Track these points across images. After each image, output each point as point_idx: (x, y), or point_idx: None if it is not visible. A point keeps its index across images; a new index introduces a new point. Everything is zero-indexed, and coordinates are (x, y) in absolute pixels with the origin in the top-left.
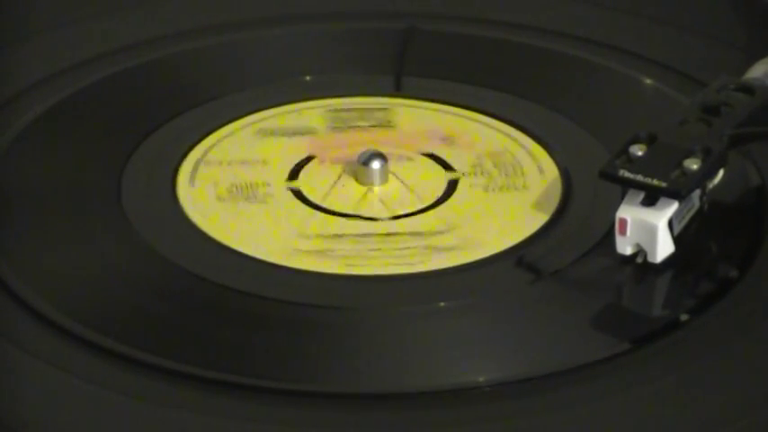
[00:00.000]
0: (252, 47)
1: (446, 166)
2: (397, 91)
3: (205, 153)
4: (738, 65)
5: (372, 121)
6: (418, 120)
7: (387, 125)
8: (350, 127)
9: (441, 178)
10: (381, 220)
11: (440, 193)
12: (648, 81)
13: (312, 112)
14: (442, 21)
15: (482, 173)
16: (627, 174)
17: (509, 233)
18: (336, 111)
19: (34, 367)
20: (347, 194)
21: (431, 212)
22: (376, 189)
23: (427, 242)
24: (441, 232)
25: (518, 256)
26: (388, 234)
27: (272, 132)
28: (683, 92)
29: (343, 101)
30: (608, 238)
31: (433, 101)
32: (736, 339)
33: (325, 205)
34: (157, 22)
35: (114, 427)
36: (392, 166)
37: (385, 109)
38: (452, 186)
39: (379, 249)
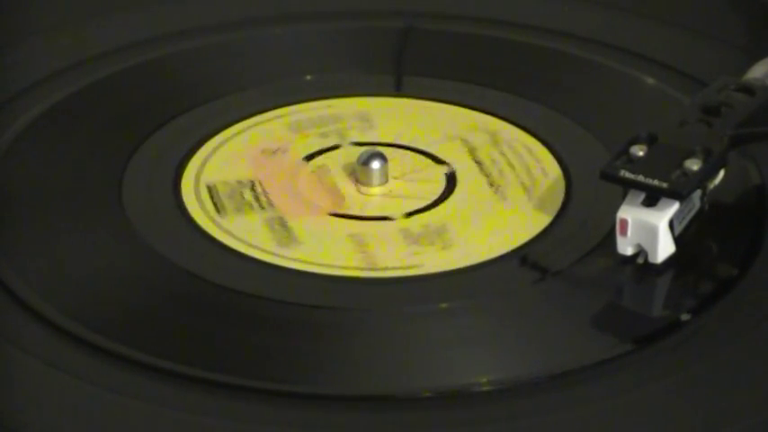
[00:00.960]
0: (252, 47)
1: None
2: (398, 91)
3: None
4: (738, 65)
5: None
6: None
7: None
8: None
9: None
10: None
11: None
12: (649, 81)
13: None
14: (442, 20)
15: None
16: (627, 174)
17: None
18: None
19: (34, 367)
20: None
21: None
22: (377, 189)
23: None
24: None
25: (519, 256)
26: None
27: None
28: (684, 92)
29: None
30: (609, 238)
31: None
32: (737, 339)
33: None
34: (157, 22)
35: (114, 427)
36: (392, 165)
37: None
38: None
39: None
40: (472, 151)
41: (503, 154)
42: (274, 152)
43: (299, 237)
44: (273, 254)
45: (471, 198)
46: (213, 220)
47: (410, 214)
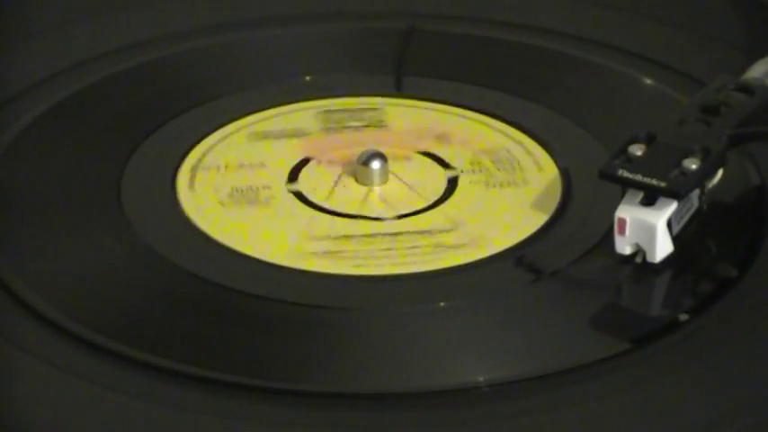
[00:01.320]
0: (251, 47)
1: (444, 164)
2: (398, 91)
3: (205, 153)
4: (738, 65)
5: (366, 121)
6: (417, 119)
7: (382, 125)
8: (344, 127)
9: (440, 176)
10: (385, 219)
11: (441, 191)
12: (648, 81)
13: (310, 113)
14: (442, 20)
15: (482, 172)
16: (626, 174)
17: (509, 233)
18: (330, 112)
19: (34, 367)
20: (349, 195)
21: (432, 212)
22: (377, 189)
23: (430, 242)
24: (442, 231)
25: (518, 256)
26: (394, 234)
27: (272, 133)
28: (683, 92)
29: (337, 101)
30: (608, 237)
31: (432, 101)
32: (736, 339)
33: (328, 206)
34: (157, 22)
35: (114, 427)
36: (392, 165)
37: (381, 109)
38: (453, 184)
39: (387, 249)
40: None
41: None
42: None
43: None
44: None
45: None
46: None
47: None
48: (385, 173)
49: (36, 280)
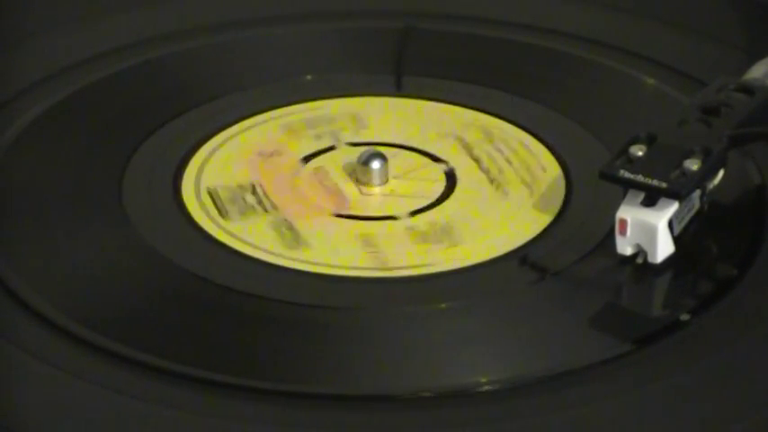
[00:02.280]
0: (252, 47)
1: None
2: (398, 90)
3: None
4: (738, 65)
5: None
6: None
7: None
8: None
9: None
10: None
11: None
12: (649, 81)
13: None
14: (442, 20)
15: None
16: (627, 174)
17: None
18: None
19: (34, 367)
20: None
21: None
22: (377, 189)
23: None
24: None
25: (519, 256)
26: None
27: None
28: (684, 92)
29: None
30: (609, 238)
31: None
32: (737, 339)
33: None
34: (157, 22)
35: (114, 427)
36: (391, 165)
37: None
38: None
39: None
40: (469, 149)
41: (500, 151)
42: (271, 154)
43: (307, 239)
44: (282, 256)
45: (473, 195)
46: (218, 224)
47: (414, 213)
48: (385, 173)
49: (36, 279)
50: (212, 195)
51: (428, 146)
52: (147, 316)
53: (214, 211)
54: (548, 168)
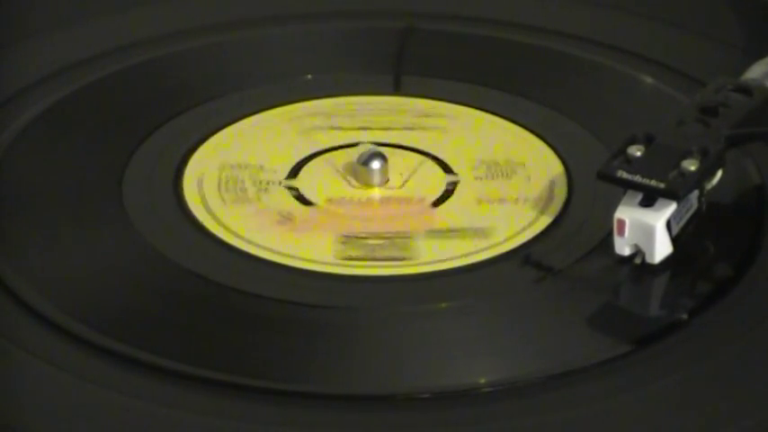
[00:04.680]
0: (252, 47)
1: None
2: (397, 90)
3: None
4: (738, 65)
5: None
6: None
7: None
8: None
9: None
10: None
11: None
12: (649, 81)
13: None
14: (442, 20)
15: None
16: (625, 174)
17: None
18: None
19: (34, 367)
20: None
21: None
22: (377, 189)
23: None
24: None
25: (519, 256)
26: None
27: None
28: (684, 91)
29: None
30: (609, 238)
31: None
32: (736, 340)
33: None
34: (157, 22)
35: (114, 427)
36: (391, 165)
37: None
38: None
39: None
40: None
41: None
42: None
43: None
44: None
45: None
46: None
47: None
48: (385, 173)
49: (36, 280)
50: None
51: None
52: (147, 315)
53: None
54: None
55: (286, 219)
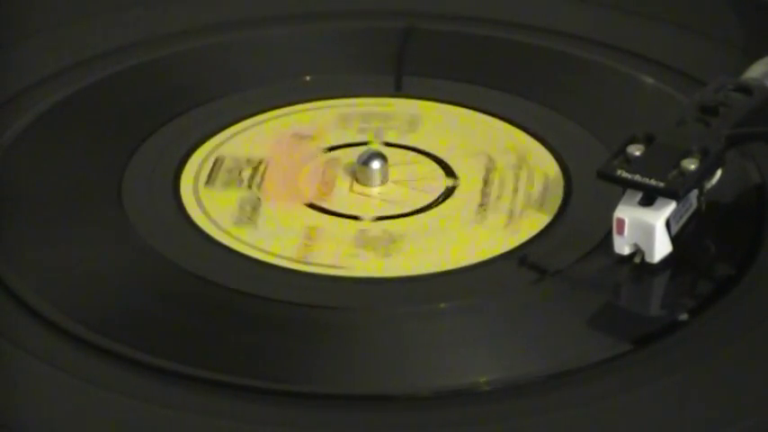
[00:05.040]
0: (252, 47)
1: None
2: (398, 91)
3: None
4: (738, 65)
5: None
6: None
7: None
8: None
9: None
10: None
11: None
12: (649, 80)
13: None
14: (442, 20)
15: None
16: (624, 174)
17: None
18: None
19: (34, 367)
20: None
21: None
22: (376, 189)
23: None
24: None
25: (518, 256)
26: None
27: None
28: (684, 91)
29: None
30: (609, 238)
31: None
32: (736, 340)
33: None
34: (157, 22)
35: (114, 427)
36: (392, 166)
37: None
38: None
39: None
40: (471, 150)
41: (502, 153)
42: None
43: (258, 219)
44: (225, 231)
45: (452, 214)
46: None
47: (380, 218)
48: (385, 173)
49: (36, 280)
50: (217, 162)
51: (425, 146)
52: (147, 316)
53: (214, 210)
54: (547, 168)
55: (259, 202)
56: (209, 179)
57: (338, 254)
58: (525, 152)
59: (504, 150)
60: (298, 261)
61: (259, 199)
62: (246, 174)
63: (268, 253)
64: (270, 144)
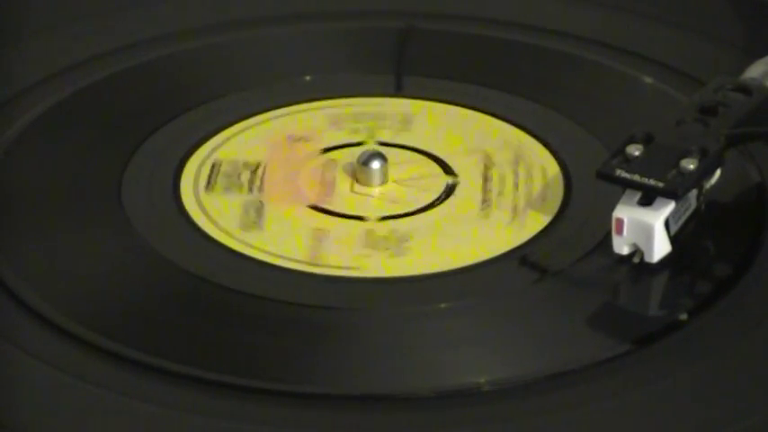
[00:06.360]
0: (252, 47)
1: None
2: (398, 91)
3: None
4: (738, 65)
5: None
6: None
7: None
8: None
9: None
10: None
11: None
12: (648, 80)
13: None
14: (442, 20)
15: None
16: (623, 174)
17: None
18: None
19: (34, 367)
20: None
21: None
22: (376, 189)
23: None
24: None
25: (518, 256)
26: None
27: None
28: (683, 91)
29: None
30: (608, 238)
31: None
32: (736, 339)
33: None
34: (157, 22)
35: (114, 427)
36: (391, 166)
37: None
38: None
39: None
40: (487, 167)
41: (502, 153)
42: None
43: (264, 223)
44: (232, 236)
45: (456, 211)
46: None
47: (385, 218)
48: (385, 173)
49: (36, 280)
50: (215, 167)
51: (425, 146)
52: (147, 316)
53: (213, 210)
54: (547, 168)
55: (261, 201)
56: (209, 184)
57: (348, 255)
58: (523, 150)
59: (500, 148)
60: (307, 263)
61: (262, 202)
62: (245, 177)
63: (276, 255)
64: (266, 147)
